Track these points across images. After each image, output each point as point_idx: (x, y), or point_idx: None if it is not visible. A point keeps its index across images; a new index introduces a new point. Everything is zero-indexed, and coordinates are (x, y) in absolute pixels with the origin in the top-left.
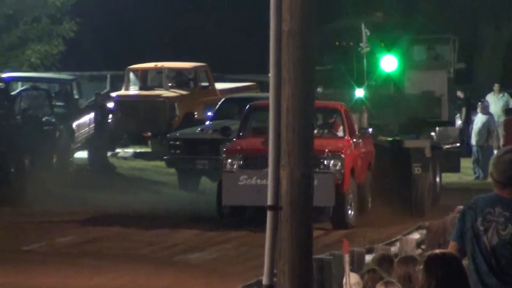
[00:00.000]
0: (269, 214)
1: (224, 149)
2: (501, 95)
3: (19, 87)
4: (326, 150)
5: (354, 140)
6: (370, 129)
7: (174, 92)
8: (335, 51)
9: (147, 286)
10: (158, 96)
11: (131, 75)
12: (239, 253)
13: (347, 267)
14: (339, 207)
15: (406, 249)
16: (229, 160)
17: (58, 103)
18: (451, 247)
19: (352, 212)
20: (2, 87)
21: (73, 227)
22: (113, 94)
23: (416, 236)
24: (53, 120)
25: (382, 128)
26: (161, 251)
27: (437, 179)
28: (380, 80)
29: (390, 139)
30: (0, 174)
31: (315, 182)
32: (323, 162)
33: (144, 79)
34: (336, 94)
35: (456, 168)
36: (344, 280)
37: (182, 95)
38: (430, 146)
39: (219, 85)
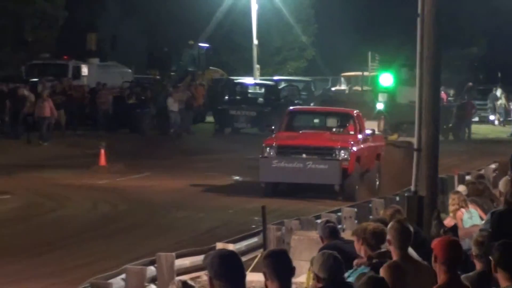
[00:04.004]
0: (416, 153)
1: (264, 141)
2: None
3: (282, 84)
4: (338, 144)
5: (362, 136)
6: (375, 130)
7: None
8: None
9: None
10: (357, 90)
11: (342, 79)
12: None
13: (456, 182)
14: (347, 184)
15: (488, 174)
16: (267, 149)
17: (303, 93)
18: None
19: (357, 188)
20: (273, 84)
21: None
22: (333, 89)
23: (493, 166)
24: (301, 102)
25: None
26: None
27: None
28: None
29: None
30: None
31: (326, 166)
32: (335, 152)
33: (350, 81)
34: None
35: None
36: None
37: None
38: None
39: None
